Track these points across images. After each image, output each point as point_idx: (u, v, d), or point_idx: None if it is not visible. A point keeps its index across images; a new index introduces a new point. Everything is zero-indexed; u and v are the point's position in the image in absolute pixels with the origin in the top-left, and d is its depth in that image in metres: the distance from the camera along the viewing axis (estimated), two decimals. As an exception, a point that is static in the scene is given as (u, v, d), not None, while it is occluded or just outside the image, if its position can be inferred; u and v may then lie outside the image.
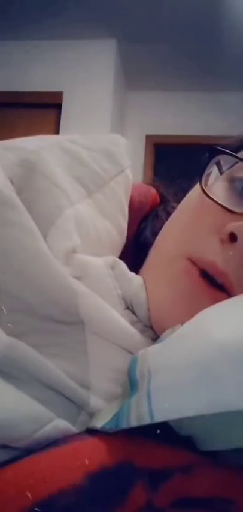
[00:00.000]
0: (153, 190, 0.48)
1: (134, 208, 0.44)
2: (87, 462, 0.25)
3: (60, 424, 0.28)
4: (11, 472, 0.24)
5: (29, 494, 0.23)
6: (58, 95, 3.07)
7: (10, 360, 0.29)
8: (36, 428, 0.27)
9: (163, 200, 0.48)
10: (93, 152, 0.40)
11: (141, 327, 0.35)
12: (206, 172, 0.37)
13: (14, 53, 3.09)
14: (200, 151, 0.38)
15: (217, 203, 0.35)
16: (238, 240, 0.32)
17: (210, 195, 0.35)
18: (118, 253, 0.40)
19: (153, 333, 0.36)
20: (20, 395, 0.28)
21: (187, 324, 0.30)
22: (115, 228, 0.39)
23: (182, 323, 0.31)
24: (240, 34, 2.76)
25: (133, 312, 0.35)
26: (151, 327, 0.36)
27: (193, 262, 0.35)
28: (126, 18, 2.83)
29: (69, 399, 0.30)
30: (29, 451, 0.26)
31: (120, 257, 0.38)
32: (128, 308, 0.35)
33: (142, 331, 0.35)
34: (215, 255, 0.34)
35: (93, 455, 0.26)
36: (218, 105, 3.16)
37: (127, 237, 0.41)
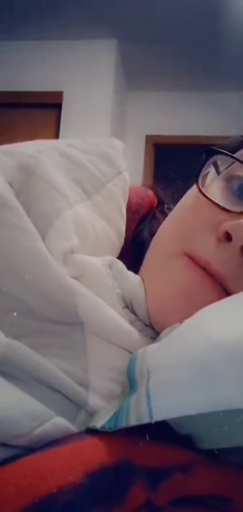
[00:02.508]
0: (150, 192, 0.48)
1: (132, 209, 0.44)
2: (86, 461, 0.25)
3: (59, 422, 0.28)
4: (11, 471, 0.25)
5: (29, 494, 0.23)
6: (58, 95, 3.07)
7: (9, 360, 0.29)
8: (36, 425, 0.27)
9: (160, 202, 0.48)
10: (91, 155, 0.40)
11: (140, 326, 0.35)
12: (204, 172, 0.38)
13: (14, 53, 3.09)
14: (200, 151, 0.38)
15: (213, 202, 0.35)
16: (233, 239, 0.33)
17: (207, 195, 0.36)
18: (117, 254, 0.40)
19: (152, 331, 0.36)
20: (19, 394, 0.28)
21: (185, 323, 0.30)
22: (113, 229, 0.39)
23: (181, 322, 0.31)
24: (240, 34, 2.76)
25: (132, 311, 0.36)
26: (151, 326, 0.36)
27: (192, 259, 0.35)
28: (126, 18, 2.83)
29: (68, 398, 0.30)
30: (29, 449, 0.26)
31: (118, 258, 0.38)
32: (127, 307, 0.35)
33: (141, 330, 0.35)
34: (211, 254, 0.34)
35: (93, 455, 0.26)
36: (218, 105, 3.16)
37: (125, 238, 0.42)
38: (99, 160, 0.40)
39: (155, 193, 0.49)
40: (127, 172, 0.43)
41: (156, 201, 0.48)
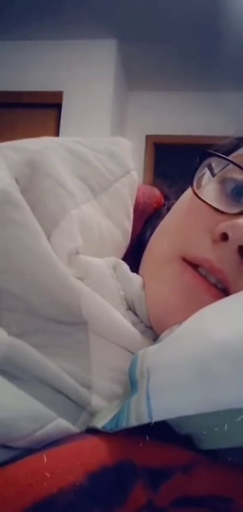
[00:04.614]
0: (157, 191, 0.48)
1: (139, 209, 0.44)
2: (87, 462, 0.25)
3: (61, 424, 0.28)
4: (12, 472, 0.24)
5: (29, 494, 0.23)
6: (58, 95, 3.07)
7: (11, 359, 0.29)
8: (37, 427, 0.27)
9: (167, 201, 0.48)
10: (98, 153, 0.40)
11: (142, 328, 0.35)
12: (199, 174, 0.37)
13: (14, 53, 3.09)
14: (200, 152, 0.38)
15: (208, 204, 0.35)
16: (229, 239, 0.33)
17: (201, 197, 0.36)
18: (122, 255, 0.40)
19: (154, 333, 0.36)
20: (21, 395, 0.28)
21: (185, 323, 0.30)
22: (119, 230, 0.39)
23: (180, 323, 0.31)
24: (240, 34, 2.76)
25: (135, 313, 0.36)
26: (152, 328, 0.36)
27: (188, 262, 0.35)
28: (126, 18, 2.82)
29: (70, 399, 0.30)
30: (30, 450, 0.26)
31: (125, 258, 0.38)
32: (130, 309, 0.35)
33: (143, 332, 0.35)
34: (209, 253, 0.34)
35: (94, 455, 0.26)
36: (218, 105, 3.16)
37: (132, 238, 0.41)
38: (106, 159, 0.40)
39: (162, 192, 0.49)
40: (135, 171, 0.43)
41: (163, 201, 0.48)
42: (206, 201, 0.35)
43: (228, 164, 0.37)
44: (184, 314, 0.31)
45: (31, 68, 3.08)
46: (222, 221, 0.34)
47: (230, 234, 0.33)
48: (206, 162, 0.38)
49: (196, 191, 0.36)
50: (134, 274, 0.37)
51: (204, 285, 0.34)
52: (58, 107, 3.08)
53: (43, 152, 0.36)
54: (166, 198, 0.48)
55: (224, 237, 0.33)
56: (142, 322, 0.35)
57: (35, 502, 0.23)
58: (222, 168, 0.38)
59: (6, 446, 0.26)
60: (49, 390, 0.29)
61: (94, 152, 0.40)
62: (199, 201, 0.36)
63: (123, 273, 0.36)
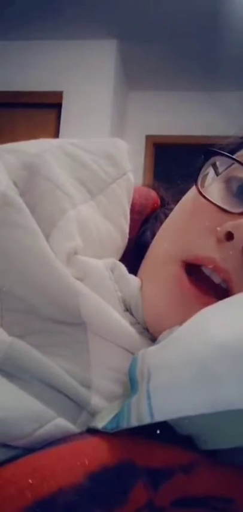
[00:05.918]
0: (153, 193, 0.48)
1: (135, 210, 0.44)
2: (87, 462, 0.25)
3: (61, 423, 0.28)
4: (12, 471, 0.25)
5: (29, 494, 0.23)
6: (58, 95, 3.07)
7: (12, 359, 0.29)
8: (37, 426, 0.27)
9: (163, 202, 0.48)
10: (95, 155, 0.40)
11: (140, 329, 0.35)
12: (203, 173, 0.37)
13: (14, 53, 3.09)
14: (200, 151, 0.38)
15: (213, 203, 0.35)
16: (235, 238, 0.33)
17: (206, 196, 0.36)
18: (120, 255, 0.40)
19: (152, 334, 0.36)
20: (21, 394, 0.28)
21: (185, 324, 0.30)
22: (117, 230, 0.39)
23: (180, 323, 0.31)
24: (240, 34, 2.76)
25: (132, 314, 0.36)
26: None
27: (189, 264, 0.35)
28: (126, 18, 2.83)
29: (70, 399, 0.30)
30: (30, 450, 0.26)
31: (122, 259, 0.38)
32: (127, 310, 0.35)
33: (141, 333, 0.35)
34: (213, 252, 0.34)
35: (94, 455, 0.26)
36: (218, 105, 3.16)
37: (129, 239, 0.41)
38: (103, 161, 0.40)
39: (158, 193, 0.49)
40: (131, 173, 0.43)
41: (159, 202, 0.48)
42: (211, 200, 0.35)
43: (233, 163, 0.37)
44: (177, 320, 0.31)
45: (31, 68, 3.08)
46: (226, 221, 0.34)
47: (235, 233, 0.33)
48: (211, 161, 0.38)
49: (201, 190, 0.36)
50: (132, 276, 0.37)
51: (200, 297, 0.34)
52: (58, 107, 3.08)
53: (41, 155, 0.36)
54: (162, 200, 0.48)
55: (229, 236, 0.33)
56: (138, 323, 0.35)
57: (35, 501, 0.23)
58: (227, 167, 0.38)
59: (6, 446, 0.26)
60: (49, 390, 0.29)
61: (91, 154, 0.40)
62: (202, 200, 0.36)
63: (121, 274, 0.36)
